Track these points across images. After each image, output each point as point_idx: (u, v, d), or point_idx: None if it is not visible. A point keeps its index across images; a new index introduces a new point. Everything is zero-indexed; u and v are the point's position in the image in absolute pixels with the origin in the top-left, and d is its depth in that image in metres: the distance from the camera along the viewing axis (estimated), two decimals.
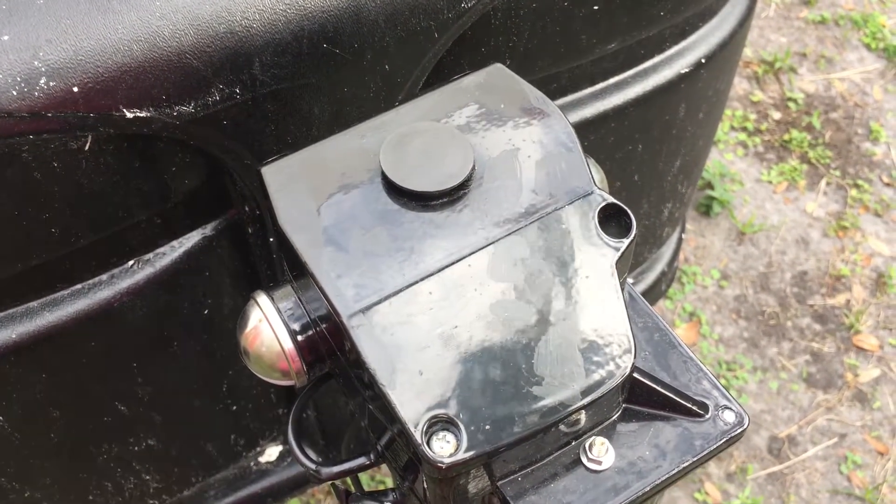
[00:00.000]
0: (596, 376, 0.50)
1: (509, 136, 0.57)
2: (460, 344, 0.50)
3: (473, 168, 0.56)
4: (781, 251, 2.36)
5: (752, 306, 2.29)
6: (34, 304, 0.80)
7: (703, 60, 1.01)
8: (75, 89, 0.65)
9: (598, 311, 0.51)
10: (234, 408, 1.03)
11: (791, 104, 2.59)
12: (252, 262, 0.90)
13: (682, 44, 1.00)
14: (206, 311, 0.90)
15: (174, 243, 0.84)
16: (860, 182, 2.43)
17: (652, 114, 1.01)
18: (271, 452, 1.15)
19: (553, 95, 0.95)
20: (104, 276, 0.82)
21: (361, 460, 0.59)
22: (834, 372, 2.20)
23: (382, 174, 0.55)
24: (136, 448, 0.97)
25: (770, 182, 2.44)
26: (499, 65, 0.63)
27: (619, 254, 0.53)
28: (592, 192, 0.55)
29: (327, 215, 0.54)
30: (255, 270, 0.91)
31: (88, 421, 0.92)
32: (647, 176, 1.09)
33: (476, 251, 0.53)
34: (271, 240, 0.85)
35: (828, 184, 2.46)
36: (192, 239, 0.85)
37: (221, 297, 0.91)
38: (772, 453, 2.06)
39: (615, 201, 0.54)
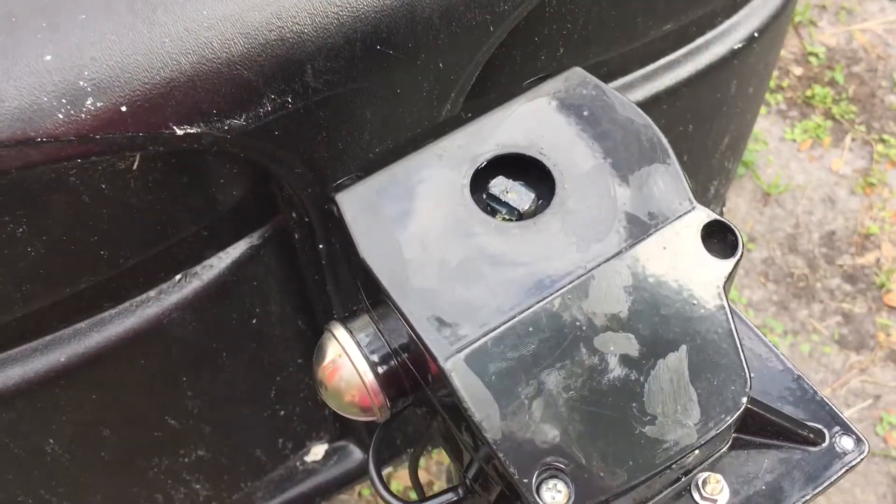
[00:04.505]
0: (711, 411, 0.46)
1: (599, 150, 0.53)
2: (566, 384, 0.47)
3: (566, 190, 0.52)
4: (808, 211, 2.33)
5: (780, 269, 2.26)
6: (82, 324, 0.77)
7: (755, 34, 0.96)
8: (123, 108, 0.61)
9: (708, 339, 0.48)
10: (282, 413, 1.00)
11: (812, 59, 2.54)
12: (299, 267, 0.87)
13: (735, 18, 0.95)
14: (253, 321, 0.87)
15: (221, 254, 0.81)
16: (886, 136, 2.38)
17: (704, 92, 0.97)
18: (317, 451, 1.13)
19: (602, 80, 0.91)
20: (152, 293, 0.79)
21: (449, 496, 0.56)
22: (866, 332, 2.18)
23: (469, 202, 0.52)
24: (186, 459, 0.95)
25: (794, 140, 2.40)
26: (578, 69, 0.59)
27: (727, 275, 0.49)
28: (694, 208, 0.51)
29: (411, 247, 0.50)
30: (301, 276, 0.88)
31: (139, 437, 0.89)
32: (696, 155, 1.06)
33: (575, 281, 0.50)
34: (320, 246, 0.82)
35: (853, 140, 2.41)
36: (239, 248, 0.82)
37: (269, 304, 0.88)
38: None
39: (719, 218, 0.51)
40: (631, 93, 0.92)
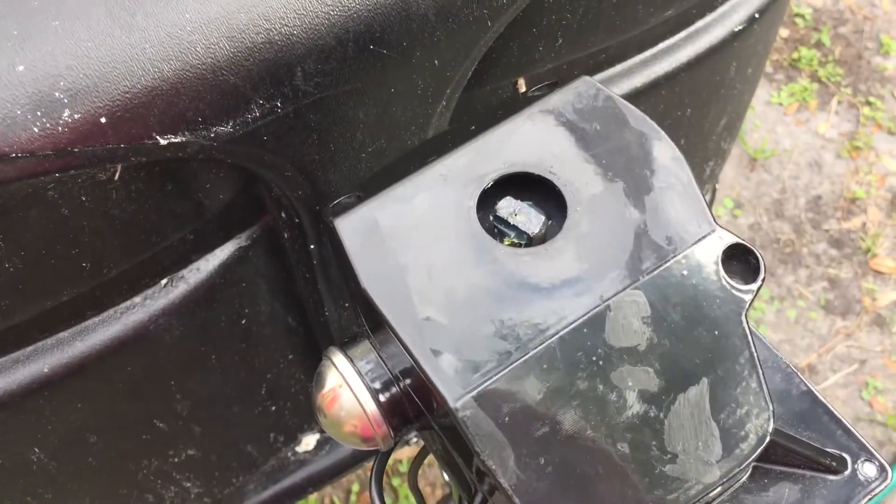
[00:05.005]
0: (734, 447, 0.45)
1: (612, 168, 0.51)
2: (583, 423, 0.45)
3: (578, 213, 0.49)
4: (794, 176, 2.31)
5: (766, 234, 2.25)
6: (65, 334, 0.74)
7: (756, 15, 0.93)
8: (102, 120, 0.57)
9: (730, 371, 0.46)
10: (273, 408, 0.98)
11: (799, 20, 2.50)
12: (288, 266, 0.84)
13: None
14: (242, 322, 0.85)
15: (208, 257, 0.78)
16: (872, 99, 2.37)
17: (703, 76, 0.94)
18: (308, 442, 1.12)
19: (600, 67, 0.88)
20: (137, 299, 0.76)
21: None
22: (852, 297, 2.18)
23: (476, 227, 0.49)
24: (176, 459, 0.93)
25: (780, 104, 2.37)
26: (587, 78, 0.55)
27: (750, 302, 0.47)
28: (714, 231, 0.49)
29: (416, 275, 0.47)
30: (291, 275, 0.85)
31: (127, 441, 0.87)
32: (693, 139, 1.03)
33: (590, 312, 0.47)
34: (311, 247, 0.79)
35: (839, 102, 2.39)
36: (226, 250, 0.78)
37: (258, 304, 0.85)
38: None
39: (740, 240, 0.48)
40: (629, 79, 0.89)
